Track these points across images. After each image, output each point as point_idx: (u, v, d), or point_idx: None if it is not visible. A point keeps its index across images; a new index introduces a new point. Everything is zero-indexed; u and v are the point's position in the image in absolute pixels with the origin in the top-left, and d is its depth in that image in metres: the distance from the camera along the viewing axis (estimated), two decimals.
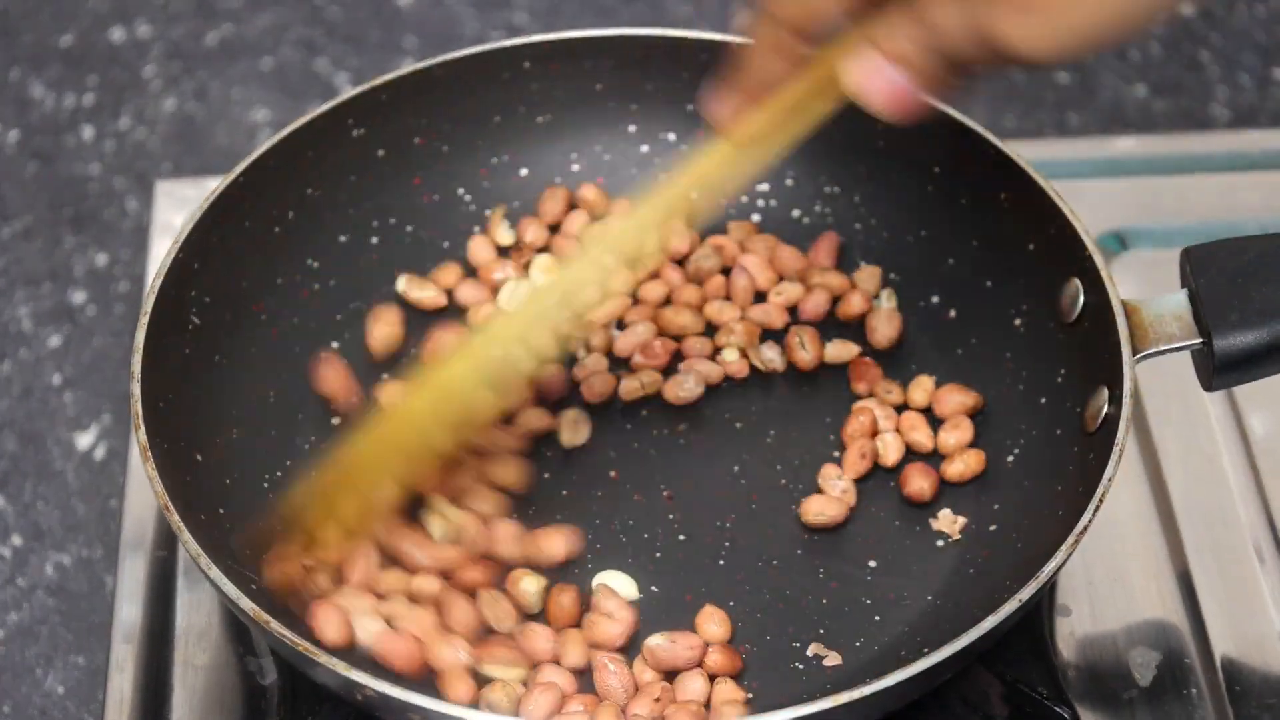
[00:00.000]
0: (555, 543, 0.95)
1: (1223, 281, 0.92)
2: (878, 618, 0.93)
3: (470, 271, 1.06)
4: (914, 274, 1.05)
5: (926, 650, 0.85)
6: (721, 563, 0.95)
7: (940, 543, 0.96)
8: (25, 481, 1.11)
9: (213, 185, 0.99)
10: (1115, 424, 0.90)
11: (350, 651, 0.89)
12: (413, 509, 0.95)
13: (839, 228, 1.07)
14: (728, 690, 0.90)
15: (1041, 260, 0.99)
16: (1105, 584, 0.99)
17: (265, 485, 0.97)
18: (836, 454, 0.99)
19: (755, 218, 1.08)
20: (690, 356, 1.02)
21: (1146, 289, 0.99)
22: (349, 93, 1.04)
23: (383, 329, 1.03)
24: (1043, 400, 0.98)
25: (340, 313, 1.04)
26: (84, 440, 1.12)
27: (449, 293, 1.05)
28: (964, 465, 0.98)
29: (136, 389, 0.91)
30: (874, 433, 0.99)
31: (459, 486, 0.96)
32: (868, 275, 1.05)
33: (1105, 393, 0.93)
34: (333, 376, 1.01)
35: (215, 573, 0.86)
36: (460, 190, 1.08)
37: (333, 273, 1.04)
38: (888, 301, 1.04)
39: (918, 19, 0.80)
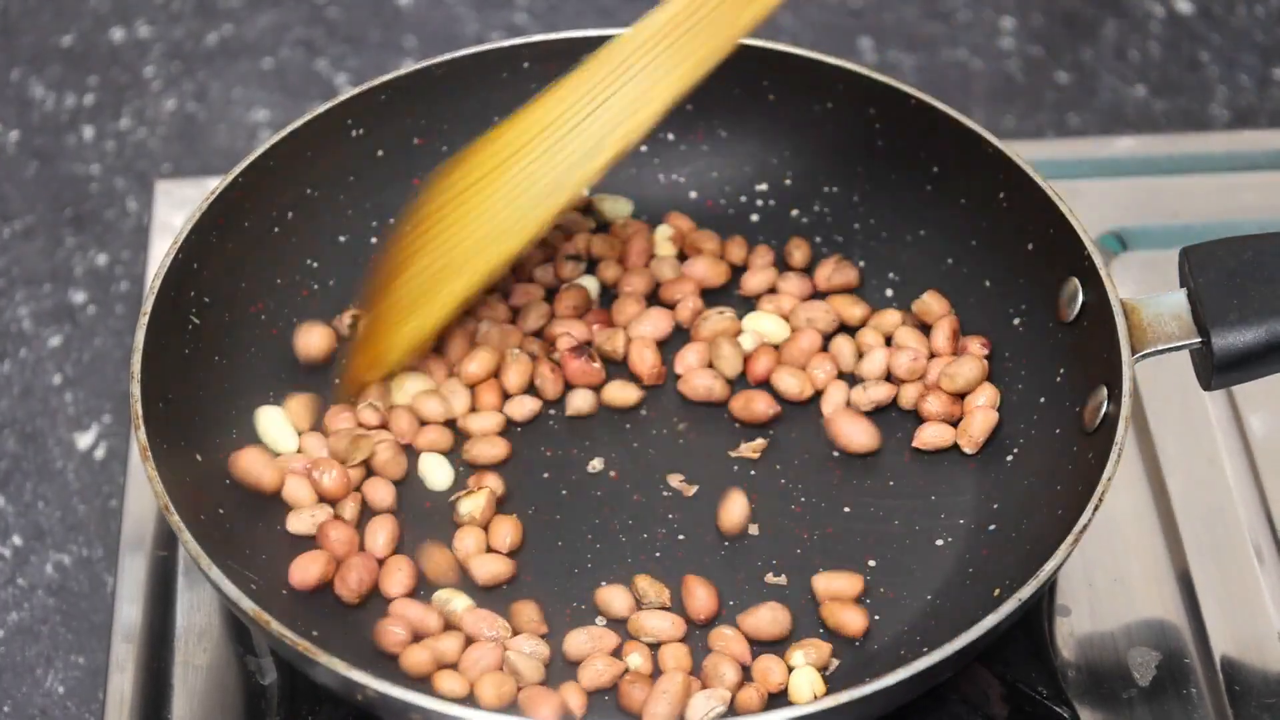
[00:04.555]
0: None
1: (1221, 281, 0.92)
2: (878, 617, 0.93)
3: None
4: (914, 274, 1.05)
5: (926, 650, 0.85)
6: (721, 562, 0.96)
7: (940, 542, 0.96)
8: (26, 481, 1.11)
9: (213, 185, 0.99)
10: (1114, 423, 0.90)
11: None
12: None
13: (838, 227, 1.07)
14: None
15: (1041, 260, 0.99)
16: (1105, 584, 0.99)
17: None
18: (836, 453, 0.99)
19: (754, 218, 1.08)
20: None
21: (1146, 288, 0.99)
22: (349, 93, 1.04)
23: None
24: (1042, 400, 0.98)
25: (339, 313, 1.04)
26: (84, 440, 1.12)
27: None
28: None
29: (136, 389, 0.91)
30: None
31: None
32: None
33: (1104, 392, 0.93)
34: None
35: (215, 573, 0.86)
36: None
37: (332, 273, 1.04)
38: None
39: None
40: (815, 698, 0.89)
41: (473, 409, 1.00)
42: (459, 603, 0.93)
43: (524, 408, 1.00)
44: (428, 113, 1.06)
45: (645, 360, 1.01)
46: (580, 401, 1.00)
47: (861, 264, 1.06)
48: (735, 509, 0.96)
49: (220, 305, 0.99)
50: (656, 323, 1.03)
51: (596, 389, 1.01)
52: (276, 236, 1.02)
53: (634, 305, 1.04)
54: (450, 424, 1.00)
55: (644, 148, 1.09)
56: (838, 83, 1.05)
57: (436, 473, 0.98)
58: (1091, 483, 0.89)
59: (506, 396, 1.01)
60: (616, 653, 0.92)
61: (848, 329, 1.03)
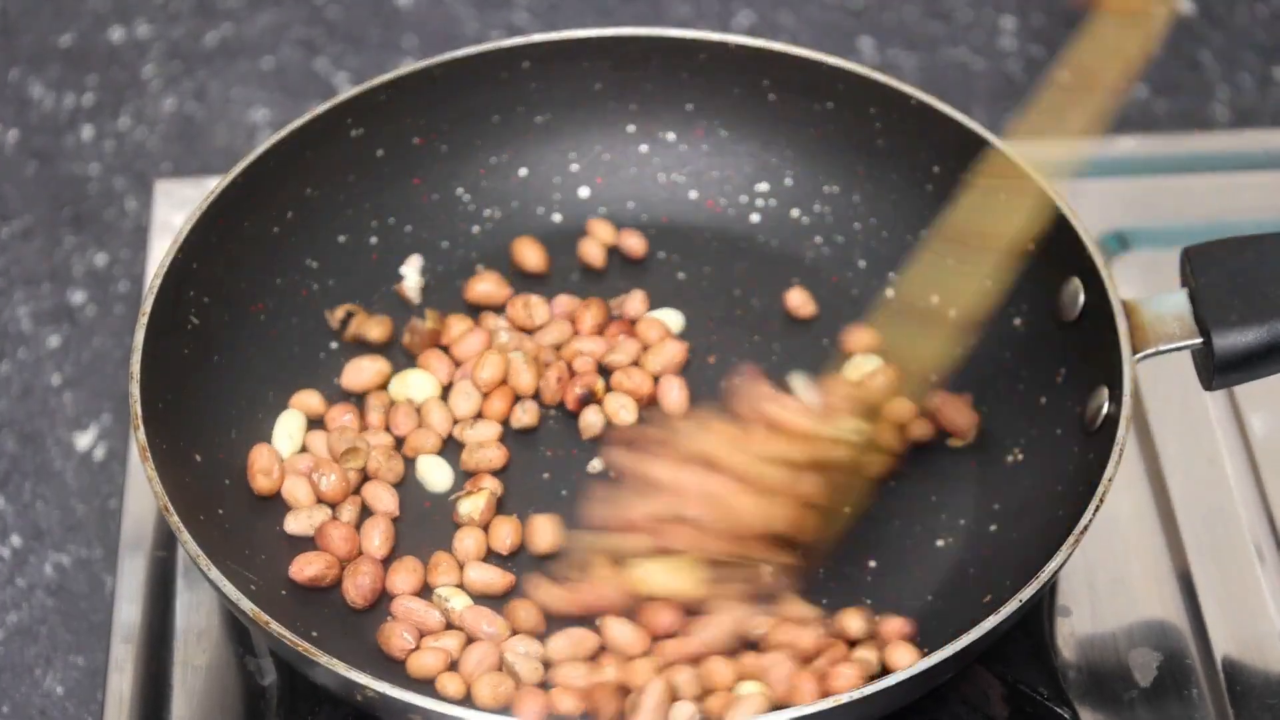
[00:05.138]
0: None
1: (1222, 281, 0.91)
2: (878, 618, 0.93)
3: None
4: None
5: (926, 650, 0.84)
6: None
7: (940, 543, 0.96)
8: (25, 481, 1.11)
9: (212, 185, 0.99)
10: (1115, 423, 0.90)
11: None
12: None
13: (838, 227, 1.07)
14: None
15: (1041, 260, 0.99)
16: (1105, 584, 0.99)
17: None
18: None
19: (755, 218, 1.08)
20: None
21: (1146, 288, 0.99)
22: (348, 93, 1.04)
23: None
24: (1043, 400, 0.98)
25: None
26: (83, 440, 1.12)
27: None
28: None
29: (135, 389, 0.91)
30: None
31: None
32: None
33: (1105, 392, 0.93)
34: None
35: (215, 573, 0.86)
36: (459, 190, 1.08)
37: (331, 273, 1.04)
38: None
39: None
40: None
41: (479, 414, 1.00)
42: (458, 601, 0.93)
43: (529, 415, 1.00)
44: (428, 113, 1.06)
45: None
46: (592, 417, 1.00)
47: (862, 264, 1.06)
48: (543, 531, 0.96)
49: (220, 305, 0.99)
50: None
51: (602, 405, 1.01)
52: (276, 236, 1.02)
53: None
54: (449, 434, 1.00)
55: (644, 147, 1.09)
56: (838, 83, 1.05)
57: (435, 474, 0.98)
58: (1092, 483, 0.89)
59: (516, 399, 1.01)
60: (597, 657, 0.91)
61: None
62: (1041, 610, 0.97)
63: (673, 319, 1.04)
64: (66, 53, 1.32)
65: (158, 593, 0.98)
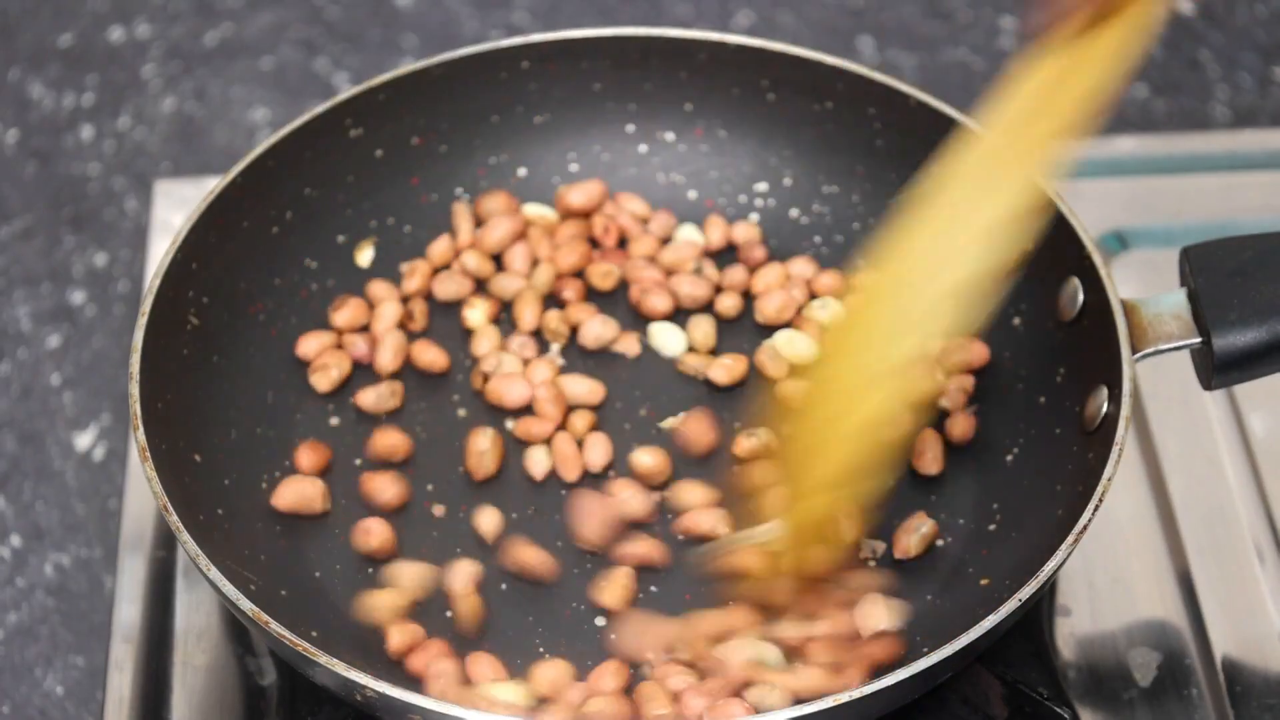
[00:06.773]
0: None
1: (1222, 280, 0.91)
2: None
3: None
4: None
5: (926, 650, 0.85)
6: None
7: (940, 542, 0.96)
8: (25, 481, 1.11)
9: (212, 185, 0.99)
10: (1115, 423, 0.90)
11: None
12: None
13: (838, 227, 1.07)
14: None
15: (1041, 260, 0.99)
16: (1105, 584, 0.99)
17: (264, 485, 0.97)
18: None
19: (754, 217, 1.08)
20: None
21: (1146, 288, 0.99)
22: (347, 92, 1.04)
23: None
24: (1042, 400, 0.98)
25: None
26: (83, 440, 1.12)
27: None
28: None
29: (135, 389, 0.91)
30: None
31: None
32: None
33: (1105, 392, 0.93)
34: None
35: (214, 573, 0.86)
36: (458, 190, 1.08)
37: (330, 273, 1.04)
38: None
39: None
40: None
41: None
42: None
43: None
44: (427, 112, 1.06)
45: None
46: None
47: (861, 264, 1.06)
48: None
49: (219, 305, 0.99)
50: None
51: None
52: (275, 236, 1.02)
53: None
54: None
55: (643, 147, 1.09)
56: (838, 83, 1.05)
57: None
58: (1091, 483, 0.89)
59: None
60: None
61: None
62: (1041, 610, 0.97)
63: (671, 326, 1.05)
64: (66, 53, 1.32)
65: (158, 593, 0.99)
